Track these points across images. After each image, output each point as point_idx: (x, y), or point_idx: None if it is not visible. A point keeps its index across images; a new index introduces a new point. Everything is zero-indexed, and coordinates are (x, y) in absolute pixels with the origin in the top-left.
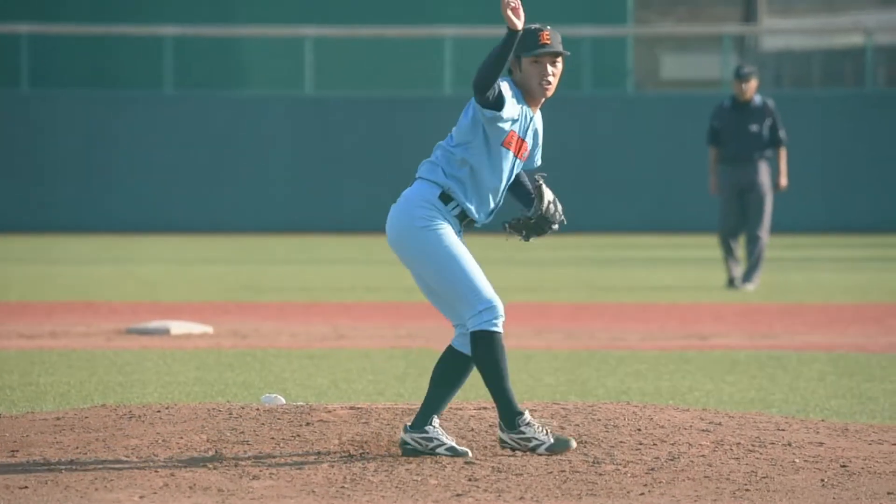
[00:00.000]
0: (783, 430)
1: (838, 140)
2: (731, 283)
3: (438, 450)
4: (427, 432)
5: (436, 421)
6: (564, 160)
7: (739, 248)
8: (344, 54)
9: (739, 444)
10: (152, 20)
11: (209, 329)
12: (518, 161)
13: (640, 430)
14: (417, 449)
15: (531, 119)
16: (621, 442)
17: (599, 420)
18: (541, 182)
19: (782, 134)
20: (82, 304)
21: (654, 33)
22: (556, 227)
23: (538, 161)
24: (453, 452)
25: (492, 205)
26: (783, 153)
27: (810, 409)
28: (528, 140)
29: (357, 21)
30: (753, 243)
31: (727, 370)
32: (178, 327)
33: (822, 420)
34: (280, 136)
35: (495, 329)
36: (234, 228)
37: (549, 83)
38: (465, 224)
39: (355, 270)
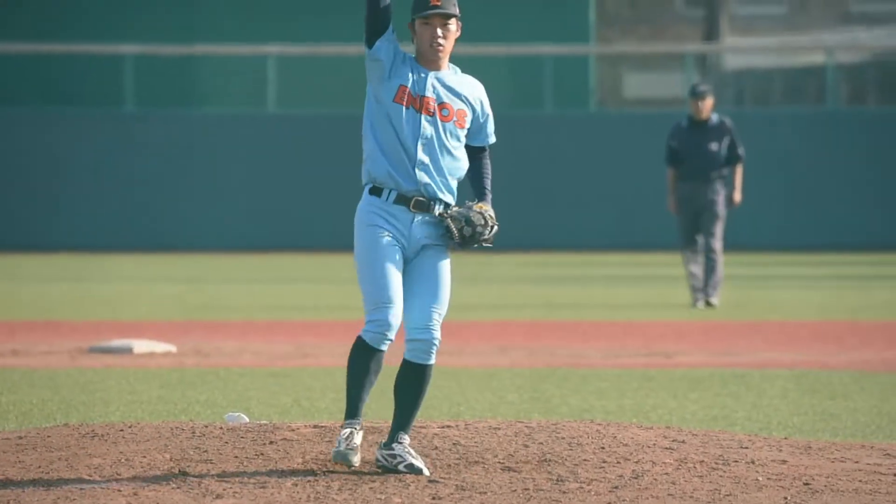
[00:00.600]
0: (746, 447)
1: (799, 158)
2: (694, 304)
3: (399, 466)
4: (393, 449)
5: (405, 438)
6: (526, 178)
7: (700, 268)
8: (306, 72)
9: (703, 461)
10: (113, 38)
11: (172, 348)
12: (438, 121)
13: (603, 448)
14: (385, 466)
15: (427, 76)
16: (585, 460)
17: (563, 438)
18: (447, 215)
19: (741, 151)
20: (44, 323)
21: (616, 52)
22: (477, 245)
23: (491, 137)
24: (410, 469)
25: (409, 169)
26: (739, 169)
27: (773, 427)
28: (432, 95)
29: (320, 39)
30: (710, 258)
31: (690, 388)
32: (140, 346)
33: (785, 438)
34: (241, 153)
35: (364, 338)
36: (195, 247)
37: (440, 45)
38: (414, 207)
39: (318, 289)
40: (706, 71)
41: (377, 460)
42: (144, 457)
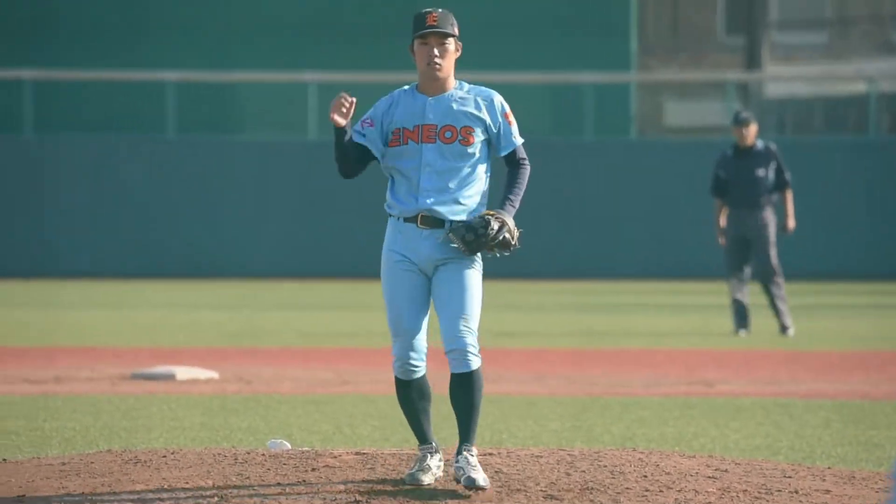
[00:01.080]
0: (790, 477)
1: (840, 187)
2: (736, 332)
3: (461, 480)
4: (457, 461)
5: (470, 449)
6: (566, 205)
7: (747, 296)
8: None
9: (746, 491)
10: (155, 65)
11: (214, 374)
12: (442, 146)
13: (646, 476)
14: (456, 478)
15: (425, 103)
16: (627, 488)
17: (605, 466)
18: (450, 231)
19: (787, 176)
20: (86, 350)
21: (657, 80)
22: (498, 250)
23: (515, 140)
24: (469, 483)
25: (416, 196)
26: (789, 195)
27: (816, 457)
28: (432, 122)
29: (359, 67)
30: (772, 288)
31: (732, 416)
32: (183, 372)
33: (829, 467)
34: (281, 180)
35: (396, 374)
36: (235, 274)
37: (438, 64)
38: (421, 223)
39: (357, 316)
40: (747, 99)
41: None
42: (187, 483)
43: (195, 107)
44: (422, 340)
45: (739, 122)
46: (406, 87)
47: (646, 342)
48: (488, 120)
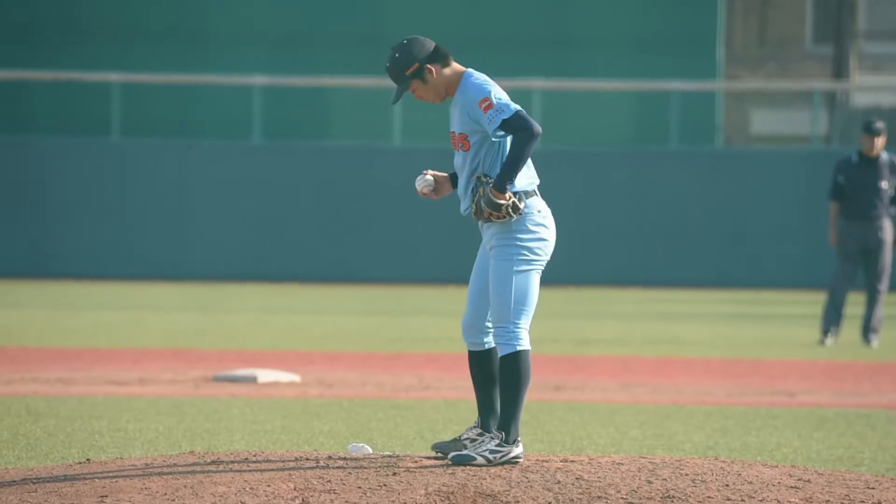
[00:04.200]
0: (873, 488)
1: None
2: (823, 339)
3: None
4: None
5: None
6: (651, 214)
7: (846, 307)
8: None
9: (829, 501)
10: (242, 70)
11: (296, 378)
12: (464, 152)
13: (727, 485)
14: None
15: (451, 109)
16: (709, 497)
17: (687, 475)
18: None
19: None
20: (170, 352)
21: (743, 89)
22: (492, 216)
23: (491, 125)
24: (454, 460)
25: (462, 194)
26: None
27: None
28: (454, 128)
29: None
30: (875, 298)
31: (815, 427)
32: (265, 375)
33: None
34: (365, 186)
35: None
36: (316, 278)
37: (425, 99)
38: (475, 216)
39: (440, 321)
40: (835, 109)
41: None
42: (269, 486)
43: (281, 112)
44: (472, 318)
45: (872, 132)
46: None
47: (730, 352)
48: (471, 115)
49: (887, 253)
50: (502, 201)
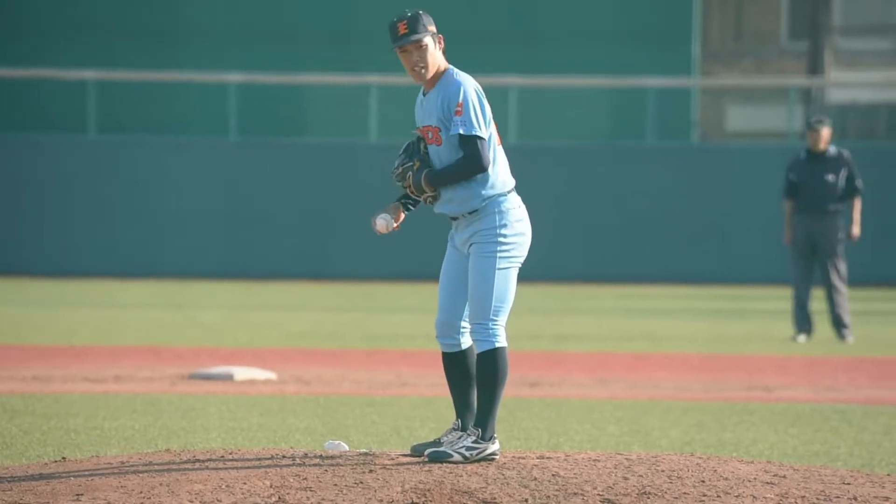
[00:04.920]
0: (848, 483)
1: None
2: (796, 335)
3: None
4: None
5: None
6: (627, 209)
7: (812, 301)
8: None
9: (804, 497)
10: (218, 67)
11: (272, 375)
12: (436, 147)
13: (703, 481)
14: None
15: (422, 103)
16: (685, 493)
17: (663, 471)
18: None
19: (859, 183)
20: (146, 349)
21: (719, 85)
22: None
23: (458, 127)
24: (430, 457)
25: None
26: (857, 202)
27: (875, 464)
28: (429, 121)
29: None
30: (831, 293)
31: (791, 423)
32: (241, 373)
33: (888, 475)
34: (347, 181)
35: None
36: (292, 275)
37: (421, 67)
38: (450, 217)
39: (417, 318)
40: (810, 105)
41: None
42: (245, 483)
43: (257, 109)
44: (446, 317)
45: (811, 126)
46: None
47: (707, 347)
48: (446, 110)
49: (837, 247)
50: (427, 192)
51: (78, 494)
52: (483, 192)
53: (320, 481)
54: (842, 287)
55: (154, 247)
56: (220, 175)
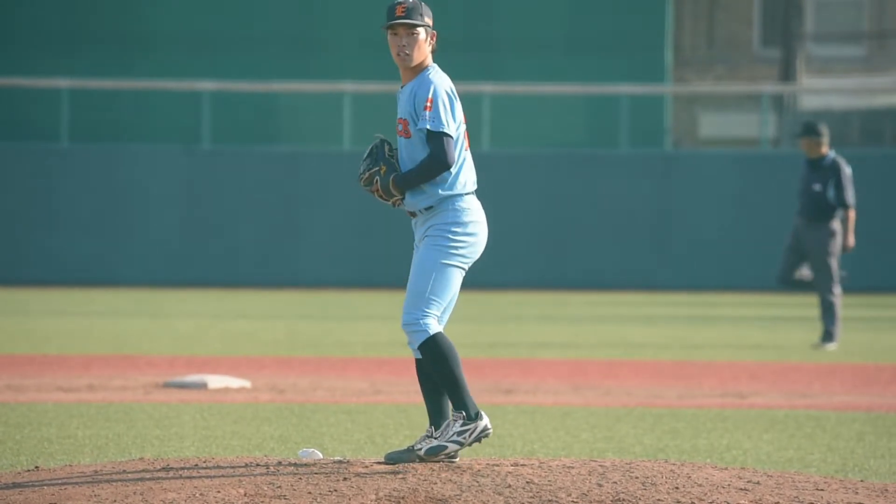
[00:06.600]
0: (822, 489)
1: (876, 199)
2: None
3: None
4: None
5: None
6: (601, 216)
7: (793, 271)
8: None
9: (778, 503)
10: (191, 75)
11: (246, 383)
12: (405, 139)
13: (677, 488)
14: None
15: (399, 94)
16: (659, 500)
17: (637, 478)
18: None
19: (847, 196)
20: (119, 358)
21: (692, 92)
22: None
23: (426, 123)
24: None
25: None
26: (850, 214)
27: (849, 470)
28: (402, 113)
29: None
30: (822, 303)
31: (765, 429)
32: (215, 381)
33: (862, 480)
34: (320, 188)
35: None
36: (268, 283)
37: (406, 53)
38: (409, 213)
39: (391, 326)
40: (783, 111)
41: None
42: (219, 492)
43: (230, 117)
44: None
45: (799, 134)
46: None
47: (681, 354)
48: (416, 107)
49: (824, 257)
50: (395, 196)
51: (51, 503)
52: (440, 190)
53: (294, 489)
54: (829, 297)
55: (127, 255)
56: (192, 183)
